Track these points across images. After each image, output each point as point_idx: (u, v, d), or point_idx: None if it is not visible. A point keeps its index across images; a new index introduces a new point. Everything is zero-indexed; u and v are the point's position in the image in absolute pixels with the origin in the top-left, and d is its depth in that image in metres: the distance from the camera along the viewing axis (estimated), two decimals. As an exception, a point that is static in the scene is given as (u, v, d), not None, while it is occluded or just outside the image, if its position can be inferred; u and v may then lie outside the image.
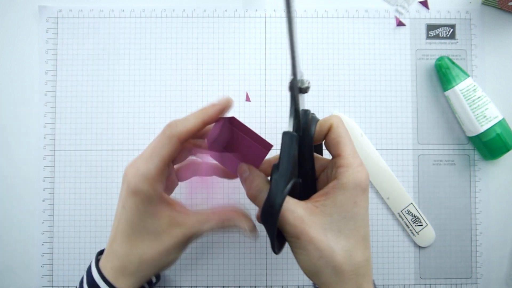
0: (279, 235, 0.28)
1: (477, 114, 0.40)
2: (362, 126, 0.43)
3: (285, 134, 0.27)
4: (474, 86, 0.41)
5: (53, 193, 0.43)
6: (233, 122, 0.32)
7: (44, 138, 0.43)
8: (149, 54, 0.44)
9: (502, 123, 0.41)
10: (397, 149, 0.43)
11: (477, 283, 0.42)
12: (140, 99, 0.43)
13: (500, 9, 0.44)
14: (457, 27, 0.44)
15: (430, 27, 0.44)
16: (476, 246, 0.43)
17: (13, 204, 0.43)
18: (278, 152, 0.27)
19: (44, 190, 0.43)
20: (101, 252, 0.33)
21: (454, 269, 0.42)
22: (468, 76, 0.41)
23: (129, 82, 0.44)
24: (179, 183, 0.35)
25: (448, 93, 0.42)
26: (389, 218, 0.43)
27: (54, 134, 0.43)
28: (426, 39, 0.44)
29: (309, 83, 0.26)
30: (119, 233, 0.29)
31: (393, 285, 0.42)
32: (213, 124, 0.31)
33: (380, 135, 0.43)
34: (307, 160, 0.30)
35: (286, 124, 0.30)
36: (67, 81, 0.43)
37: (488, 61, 0.44)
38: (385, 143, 0.43)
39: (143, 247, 0.29)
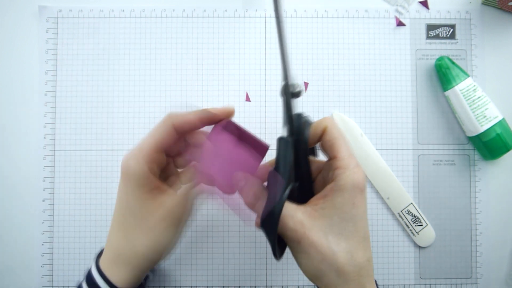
0: (279, 241, 0.28)
1: (477, 114, 0.40)
2: (362, 126, 0.43)
3: (280, 139, 0.28)
4: (474, 86, 0.41)
5: (53, 193, 0.43)
6: (228, 126, 0.32)
7: (44, 138, 0.43)
8: (149, 54, 0.44)
9: (502, 123, 0.41)
10: (397, 149, 0.43)
11: (477, 283, 0.42)
12: (140, 99, 0.43)
13: (500, 9, 0.44)
14: (457, 27, 0.44)
15: (430, 27, 0.44)
16: (476, 246, 0.43)
17: (13, 204, 0.43)
18: (274, 155, 0.27)
19: (44, 190, 0.43)
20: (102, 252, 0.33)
21: (454, 269, 0.42)
22: (468, 76, 0.41)
23: (129, 82, 0.44)
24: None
25: (448, 93, 0.42)
26: (389, 218, 0.43)
27: (54, 134, 0.43)
28: (426, 39, 0.44)
29: (301, 87, 0.26)
30: (113, 223, 0.31)
31: (393, 285, 0.42)
32: (210, 129, 0.32)
33: (380, 135, 0.43)
34: (302, 163, 0.30)
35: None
36: (67, 81, 0.43)
37: (488, 61, 0.44)
38: (385, 143, 0.43)
39: (134, 234, 0.29)
